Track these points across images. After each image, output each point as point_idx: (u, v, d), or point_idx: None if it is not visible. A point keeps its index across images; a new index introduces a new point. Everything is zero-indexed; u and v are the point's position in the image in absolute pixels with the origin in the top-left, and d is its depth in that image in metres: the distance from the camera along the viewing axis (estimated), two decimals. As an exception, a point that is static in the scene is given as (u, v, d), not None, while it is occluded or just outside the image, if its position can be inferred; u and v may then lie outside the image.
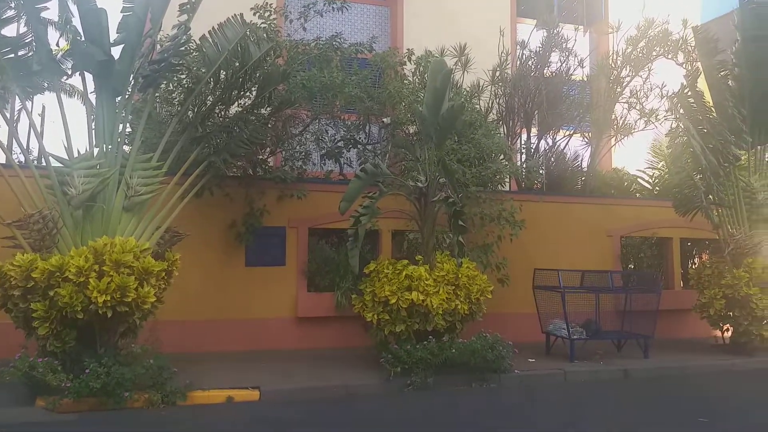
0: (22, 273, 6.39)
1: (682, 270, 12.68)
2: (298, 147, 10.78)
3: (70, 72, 8.06)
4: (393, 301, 7.98)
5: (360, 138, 11.21)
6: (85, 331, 6.72)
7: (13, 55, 7.26)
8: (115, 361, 6.60)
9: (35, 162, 8.81)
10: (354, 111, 10.68)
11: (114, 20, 7.43)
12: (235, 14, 8.04)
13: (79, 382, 6.32)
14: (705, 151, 10.18)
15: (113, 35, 7.52)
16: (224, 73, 8.36)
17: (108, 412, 6.40)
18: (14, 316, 6.71)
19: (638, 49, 12.79)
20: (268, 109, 9.50)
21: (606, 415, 6.75)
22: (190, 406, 6.80)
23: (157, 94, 9.07)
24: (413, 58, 11.21)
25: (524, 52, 13.04)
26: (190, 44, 8.54)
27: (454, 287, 8.25)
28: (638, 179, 14.20)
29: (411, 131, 10.75)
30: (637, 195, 13.79)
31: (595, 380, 8.54)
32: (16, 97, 7.68)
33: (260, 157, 10.18)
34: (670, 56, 12.70)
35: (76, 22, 7.47)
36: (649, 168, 14.44)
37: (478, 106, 12.18)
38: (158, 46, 8.46)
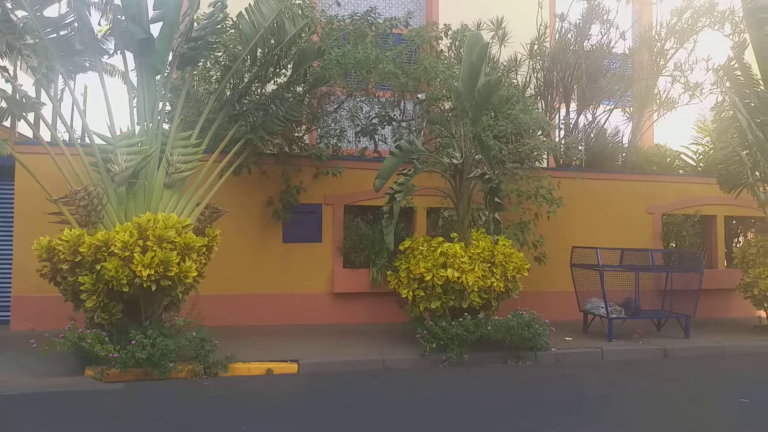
0: (70, 248, 6.61)
1: (726, 249, 12.34)
2: (333, 124, 10.81)
3: (111, 51, 8.20)
4: (428, 278, 8.00)
5: (395, 115, 11.17)
6: (131, 304, 6.96)
7: (55, 35, 7.42)
8: (159, 333, 6.83)
9: (79, 140, 9.05)
10: (389, 87, 10.62)
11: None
12: (270, -10, 8.04)
13: (125, 353, 6.56)
14: (752, 126, 9.81)
15: (152, 14, 7.62)
16: (260, 50, 8.39)
17: (153, 382, 6.64)
18: (63, 289, 6.98)
19: (683, 20, 12.31)
20: (304, 86, 9.52)
21: (642, 394, 6.67)
22: (232, 377, 7.01)
23: (195, 72, 9.19)
24: (449, 32, 11.05)
25: (563, 24, 12.71)
26: (227, 22, 8.58)
27: (489, 265, 8.21)
28: (681, 155, 13.79)
29: (446, 107, 10.65)
30: (680, 171, 13.41)
31: (634, 359, 8.43)
32: (60, 76, 7.85)
33: (296, 134, 10.26)
34: (716, 27, 12.20)
35: (116, 1, 7.59)
36: (694, 143, 13.99)
37: (515, 81, 11.98)
38: (195, 24, 8.53)
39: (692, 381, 7.43)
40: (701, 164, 13.34)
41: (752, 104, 10.16)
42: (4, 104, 7.27)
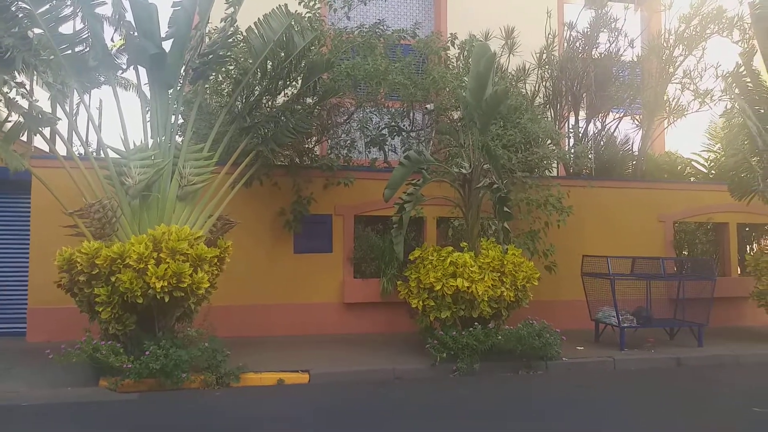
0: (88, 260, 6.72)
1: (739, 256, 12.25)
2: (343, 135, 10.89)
3: (124, 66, 8.36)
4: (438, 287, 8.03)
5: (404, 125, 11.24)
6: (144, 315, 7.04)
7: (70, 52, 7.57)
8: (172, 343, 6.90)
9: (94, 154, 9.22)
10: (398, 98, 10.70)
11: (163, 14, 7.68)
12: (279, 5, 8.17)
13: (139, 364, 6.64)
14: (762, 133, 9.77)
15: (164, 29, 7.77)
16: (270, 63, 8.51)
17: (166, 392, 6.71)
18: (79, 300, 7.09)
19: (691, 27, 12.31)
20: (314, 98, 9.62)
21: (653, 403, 6.65)
22: (243, 387, 7.06)
23: (206, 86, 9.31)
24: (457, 42, 11.13)
25: (572, 33, 12.75)
26: (237, 36, 8.71)
27: (499, 274, 8.22)
28: (692, 162, 13.74)
29: (455, 117, 10.71)
30: (692, 179, 13.35)
31: (646, 368, 8.39)
32: (75, 91, 8.00)
33: (306, 146, 10.36)
34: (725, 34, 12.19)
35: (129, 17, 7.76)
36: (705, 150, 13.95)
37: (524, 90, 12.02)
38: (207, 39, 8.67)
39: (704, 390, 7.39)
40: (713, 171, 13.28)
41: (762, 111, 10.13)
42: (21, 119, 7.42)
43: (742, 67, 10.33)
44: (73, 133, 12.74)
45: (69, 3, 7.55)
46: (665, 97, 12.77)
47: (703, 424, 5.96)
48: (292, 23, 8.30)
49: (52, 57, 7.49)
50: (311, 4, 9.96)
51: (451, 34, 11.29)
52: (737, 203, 10.80)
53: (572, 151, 11.85)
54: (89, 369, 6.93)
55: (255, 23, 8.11)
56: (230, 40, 8.29)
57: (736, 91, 10.61)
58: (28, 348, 8.52)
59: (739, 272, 12.15)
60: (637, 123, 13.35)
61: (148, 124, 7.82)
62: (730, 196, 10.70)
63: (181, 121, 9.23)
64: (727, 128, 11.31)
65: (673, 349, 9.18)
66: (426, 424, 5.86)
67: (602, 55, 12.67)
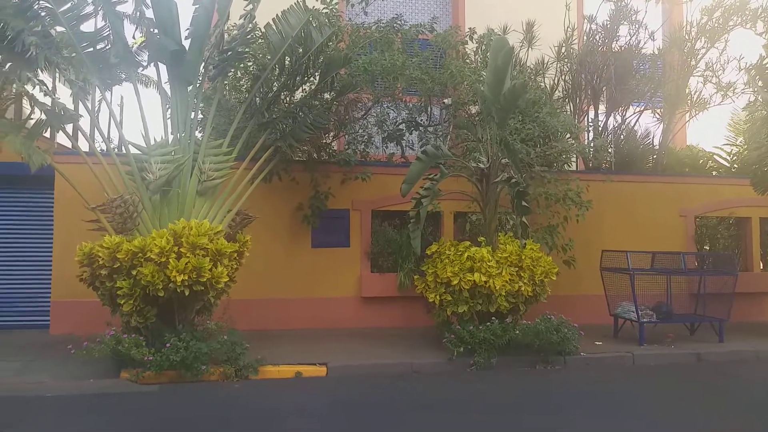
0: (110, 254, 6.84)
1: (761, 251, 12.06)
2: (360, 130, 10.91)
3: (145, 63, 8.45)
4: (455, 282, 8.03)
5: (421, 120, 11.22)
6: (165, 308, 7.15)
7: (92, 49, 7.68)
8: (192, 336, 7.00)
9: (115, 150, 9.33)
10: (415, 93, 10.69)
11: (184, 11, 7.76)
12: (297, 1, 8.20)
13: (160, 356, 6.75)
14: (787, 126, 9.60)
15: (184, 26, 7.85)
16: (288, 59, 8.56)
17: (186, 384, 6.82)
18: (101, 293, 7.21)
19: (714, 19, 12.11)
20: (331, 93, 9.65)
21: (672, 398, 6.59)
22: (262, 380, 7.14)
23: (225, 82, 9.40)
24: (475, 36, 11.08)
25: (591, 26, 12.61)
26: (256, 32, 8.77)
27: (517, 269, 8.20)
28: (714, 156, 13.53)
29: (473, 111, 10.67)
30: (714, 173, 13.15)
31: (666, 364, 8.31)
32: (96, 88, 8.11)
33: (324, 141, 10.40)
34: (748, 26, 11.96)
35: (149, 14, 7.85)
36: (727, 144, 13.73)
37: (542, 84, 11.93)
38: (226, 36, 8.74)
39: (723, 386, 7.30)
40: (735, 165, 13.07)
41: (786, 103, 9.94)
42: (44, 117, 7.55)
43: (766, 59, 10.15)
44: (95, 129, 12.95)
45: (90, 1, 7.66)
46: (687, 90, 12.59)
47: (723, 419, 5.89)
48: (310, 19, 8.34)
49: (74, 54, 7.60)
50: (328, 0, 9.98)
51: (470, 28, 11.22)
52: (760, 197, 10.63)
53: (592, 145, 11.74)
54: (111, 361, 7.05)
55: (273, 19, 8.15)
56: (249, 36, 8.35)
57: (760, 83, 10.44)
58: (51, 340, 8.71)
59: (761, 267, 11.97)
60: (658, 116, 13.18)
61: (169, 120, 7.92)
62: (752, 190, 10.52)
63: (200, 117, 9.33)
64: (749, 121, 11.08)
65: (694, 344, 9.08)
66: (443, 417, 5.88)
67: (622, 48, 12.52)
